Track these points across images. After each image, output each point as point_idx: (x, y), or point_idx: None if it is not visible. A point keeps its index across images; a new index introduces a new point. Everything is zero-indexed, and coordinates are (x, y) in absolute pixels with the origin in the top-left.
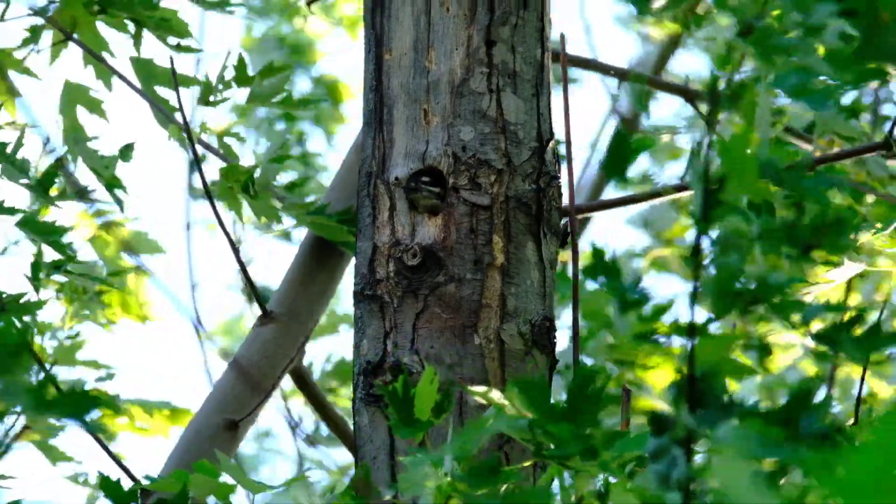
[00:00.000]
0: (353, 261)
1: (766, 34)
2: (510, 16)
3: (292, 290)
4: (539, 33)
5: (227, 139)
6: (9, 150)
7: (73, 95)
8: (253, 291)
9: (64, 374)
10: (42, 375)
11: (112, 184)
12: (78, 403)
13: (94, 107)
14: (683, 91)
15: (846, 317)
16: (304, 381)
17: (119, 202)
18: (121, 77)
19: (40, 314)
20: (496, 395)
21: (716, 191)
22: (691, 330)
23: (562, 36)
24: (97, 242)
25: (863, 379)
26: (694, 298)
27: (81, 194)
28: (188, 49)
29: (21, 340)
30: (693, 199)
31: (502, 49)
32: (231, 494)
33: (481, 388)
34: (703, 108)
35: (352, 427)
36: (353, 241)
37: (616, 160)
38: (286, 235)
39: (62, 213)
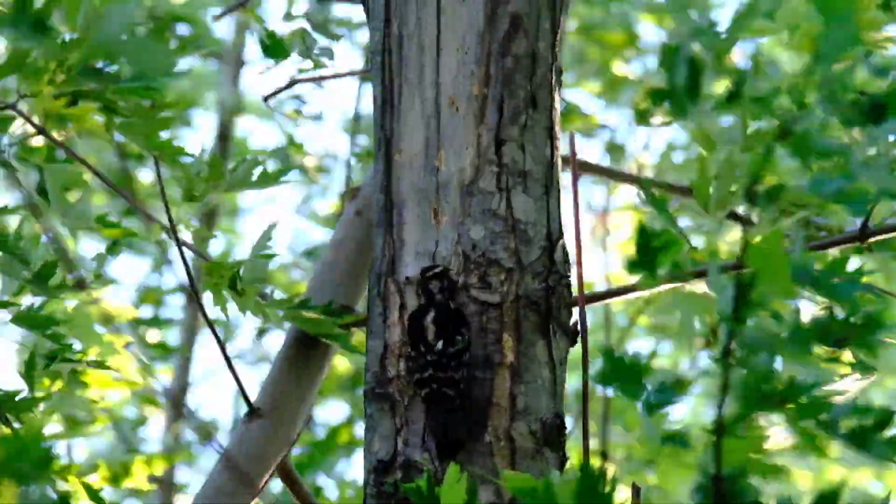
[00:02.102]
0: (337, 353)
1: (804, 138)
2: (520, 115)
3: (278, 386)
4: (548, 132)
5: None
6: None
7: (53, 178)
8: (239, 387)
9: None
10: None
11: (112, 250)
12: None
13: (76, 182)
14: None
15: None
16: (291, 478)
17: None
18: (98, 175)
19: None
20: None
21: (747, 290)
22: (718, 429)
23: (571, 135)
24: (75, 319)
25: None
26: (722, 398)
27: (80, 284)
28: (167, 121)
29: (45, 452)
30: (720, 297)
31: (512, 147)
32: None
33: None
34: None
35: None
36: (338, 333)
37: (644, 256)
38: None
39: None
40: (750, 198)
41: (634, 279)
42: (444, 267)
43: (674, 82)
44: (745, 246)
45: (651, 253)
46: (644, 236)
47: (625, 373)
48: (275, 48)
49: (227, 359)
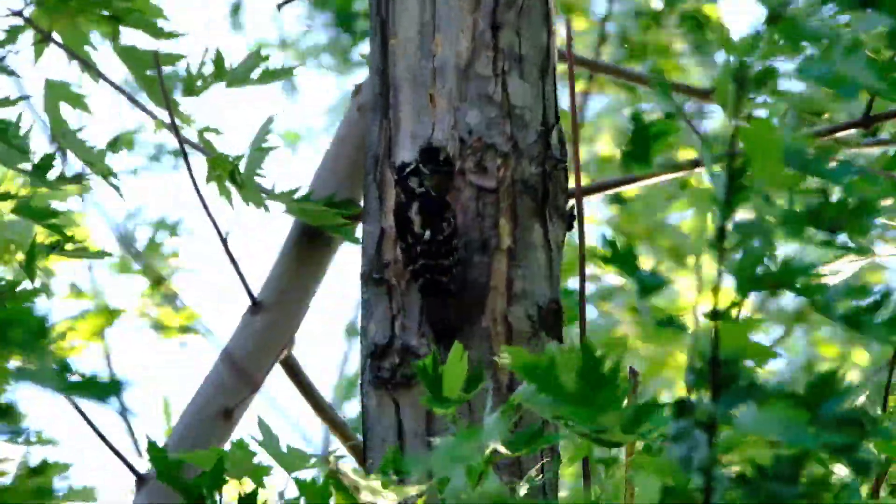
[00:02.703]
0: (340, 249)
1: (794, 22)
2: (516, 0)
3: (281, 279)
4: (545, 18)
5: (206, 134)
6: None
7: (55, 93)
8: (242, 281)
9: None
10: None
11: (106, 173)
12: (103, 388)
13: (77, 102)
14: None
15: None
16: (293, 370)
17: (117, 189)
18: (102, 76)
19: None
20: None
21: (739, 175)
22: (715, 313)
23: (567, 21)
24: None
25: (892, 363)
26: (718, 281)
27: (78, 178)
28: (171, 35)
29: (41, 324)
30: (714, 183)
31: (508, 33)
32: (266, 476)
33: None
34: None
35: (340, 416)
36: (341, 225)
37: (639, 145)
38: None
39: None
40: (739, 82)
41: None
42: (442, 150)
43: None
44: (736, 131)
45: (646, 141)
46: (639, 124)
47: (622, 255)
48: None
49: (230, 253)
